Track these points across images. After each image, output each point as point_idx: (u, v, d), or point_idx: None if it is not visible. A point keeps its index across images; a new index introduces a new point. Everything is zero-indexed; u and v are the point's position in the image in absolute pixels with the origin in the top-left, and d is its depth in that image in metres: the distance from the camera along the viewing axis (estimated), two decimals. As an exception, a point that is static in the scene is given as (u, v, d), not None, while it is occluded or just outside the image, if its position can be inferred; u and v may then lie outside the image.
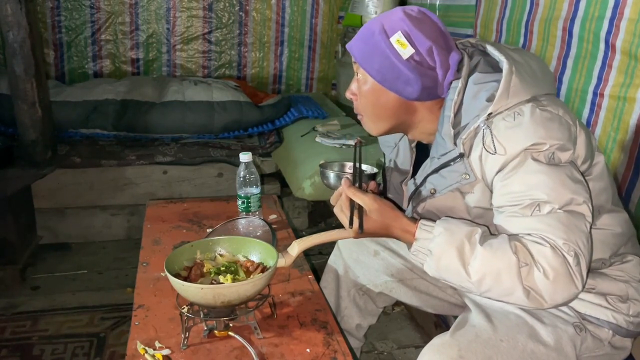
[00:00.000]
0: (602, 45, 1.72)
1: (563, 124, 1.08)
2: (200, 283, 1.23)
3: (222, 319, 1.21)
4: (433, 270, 1.09)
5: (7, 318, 2.22)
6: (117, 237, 2.92)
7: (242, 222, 1.68)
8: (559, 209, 1.03)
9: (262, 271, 1.28)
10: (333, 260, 1.61)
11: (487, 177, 1.10)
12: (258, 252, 1.35)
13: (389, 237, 1.17)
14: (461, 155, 1.12)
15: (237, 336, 1.20)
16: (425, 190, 1.22)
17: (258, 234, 1.62)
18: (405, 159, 1.37)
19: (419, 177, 1.25)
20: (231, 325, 1.23)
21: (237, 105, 3.21)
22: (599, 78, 1.74)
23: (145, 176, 2.95)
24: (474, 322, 1.16)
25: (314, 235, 1.37)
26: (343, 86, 3.79)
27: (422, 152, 1.33)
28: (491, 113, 1.08)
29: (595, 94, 1.75)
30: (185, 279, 1.25)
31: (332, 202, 1.23)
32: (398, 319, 2.23)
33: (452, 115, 1.13)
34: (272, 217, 1.88)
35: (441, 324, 1.90)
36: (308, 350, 1.18)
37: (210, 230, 1.67)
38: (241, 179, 1.71)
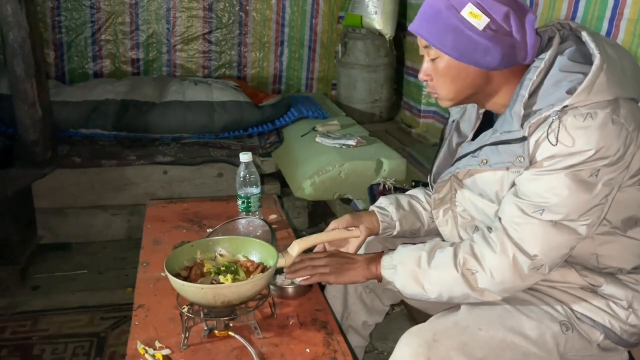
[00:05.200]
0: (601, 46, 1.72)
1: (627, 142, 1.05)
2: (201, 283, 1.23)
3: (222, 318, 1.22)
4: (403, 296, 1.29)
5: (7, 318, 2.22)
6: (117, 237, 2.92)
7: (242, 222, 1.68)
8: (560, 220, 1.06)
9: (262, 271, 1.28)
10: None
11: (536, 156, 1.09)
12: (258, 252, 1.35)
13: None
14: (524, 139, 1.09)
15: (237, 336, 1.20)
16: (476, 159, 1.19)
17: (258, 234, 1.62)
18: (469, 123, 1.34)
19: (476, 143, 1.21)
20: (231, 325, 1.23)
21: (237, 105, 3.21)
22: (599, 78, 1.74)
23: (146, 176, 2.95)
24: (456, 312, 1.19)
25: (314, 235, 1.37)
26: (343, 86, 3.79)
27: (486, 121, 1.31)
28: (567, 106, 1.04)
29: (595, 94, 1.75)
30: (185, 279, 1.25)
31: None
32: (398, 319, 2.23)
33: (526, 95, 1.09)
34: (272, 217, 1.88)
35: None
36: (308, 350, 1.19)
37: (211, 230, 1.68)
38: (241, 179, 1.71)
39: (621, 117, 1.04)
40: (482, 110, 1.32)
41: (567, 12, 1.89)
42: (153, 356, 1.16)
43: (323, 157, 2.60)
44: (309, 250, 1.39)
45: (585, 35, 1.10)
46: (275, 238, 1.57)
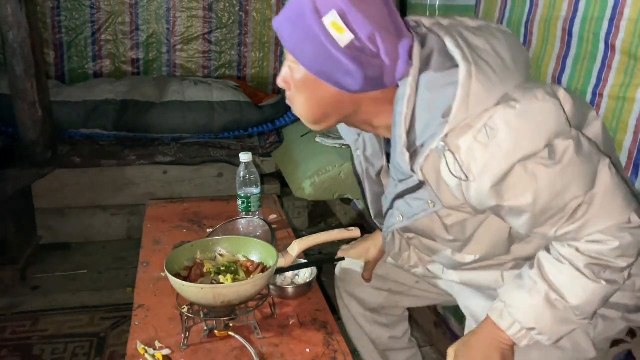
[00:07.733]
0: (601, 46, 1.72)
1: (547, 110, 0.93)
2: (201, 283, 1.23)
3: (222, 318, 1.22)
4: (551, 341, 1.04)
5: (7, 318, 2.22)
6: (117, 237, 2.92)
7: (242, 222, 1.68)
8: (595, 195, 0.95)
9: (262, 271, 1.28)
10: (339, 295, 1.55)
11: (475, 201, 0.97)
12: (258, 252, 1.35)
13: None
14: (421, 184, 0.99)
15: (237, 336, 1.20)
16: (393, 217, 1.11)
17: (258, 234, 1.62)
18: (374, 149, 1.20)
19: (389, 196, 1.11)
20: (231, 325, 1.24)
21: (237, 105, 3.21)
22: (599, 78, 1.74)
23: (145, 176, 2.95)
24: None
25: (314, 235, 1.37)
26: (343, 86, 3.78)
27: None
28: (447, 133, 0.91)
29: (594, 94, 1.75)
30: (185, 279, 1.25)
31: None
32: (398, 319, 2.23)
33: (404, 135, 0.96)
34: (272, 217, 1.88)
35: (441, 324, 1.90)
36: (308, 350, 1.19)
37: (211, 230, 1.68)
38: (241, 179, 1.71)
39: (518, 100, 0.92)
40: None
41: (567, 12, 1.89)
42: (153, 356, 1.16)
43: (323, 157, 2.60)
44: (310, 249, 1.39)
45: (442, 34, 0.98)
46: (275, 238, 1.57)
